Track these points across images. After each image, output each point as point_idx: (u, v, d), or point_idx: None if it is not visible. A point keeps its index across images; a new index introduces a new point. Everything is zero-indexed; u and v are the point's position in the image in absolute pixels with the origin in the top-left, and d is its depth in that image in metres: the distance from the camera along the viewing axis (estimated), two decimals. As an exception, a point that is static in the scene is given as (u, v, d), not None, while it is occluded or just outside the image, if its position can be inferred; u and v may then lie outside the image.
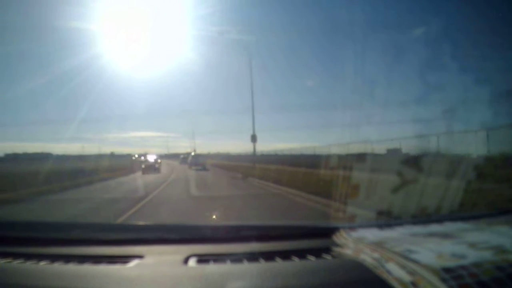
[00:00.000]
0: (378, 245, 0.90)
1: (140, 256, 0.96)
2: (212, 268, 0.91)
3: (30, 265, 0.93)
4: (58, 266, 0.92)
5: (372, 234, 1.02)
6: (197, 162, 24.24)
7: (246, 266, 0.90)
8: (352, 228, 1.09)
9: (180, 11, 21.80)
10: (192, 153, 27.59)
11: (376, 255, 0.84)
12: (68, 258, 0.96)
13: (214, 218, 4.43)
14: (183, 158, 33.43)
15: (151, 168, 19.87)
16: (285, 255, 0.95)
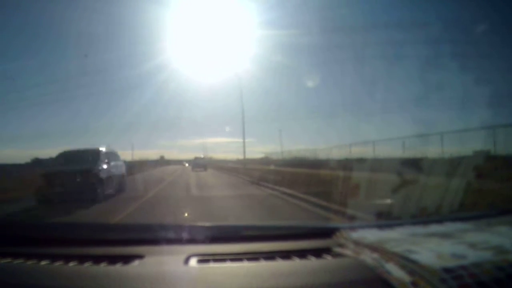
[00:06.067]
0: (378, 245, 0.90)
1: (140, 256, 0.96)
2: (212, 268, 0.91)
3: (30, 265, 0.93)
4: (58, 266, 0.91)
5: (372, 234, 1.02)
6: (198, 164, 28.01)
7: (246, 266, 0.90)
8: (352, 228, 1.09)
9: (249, 15, 22.20)
10: (194, 157, 32.89)
11: (376, 255, 0.84)
12: (68, 258, 0.95)
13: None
14: (189, 162, 40.66)
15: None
16: (285, 255, 0.95)
